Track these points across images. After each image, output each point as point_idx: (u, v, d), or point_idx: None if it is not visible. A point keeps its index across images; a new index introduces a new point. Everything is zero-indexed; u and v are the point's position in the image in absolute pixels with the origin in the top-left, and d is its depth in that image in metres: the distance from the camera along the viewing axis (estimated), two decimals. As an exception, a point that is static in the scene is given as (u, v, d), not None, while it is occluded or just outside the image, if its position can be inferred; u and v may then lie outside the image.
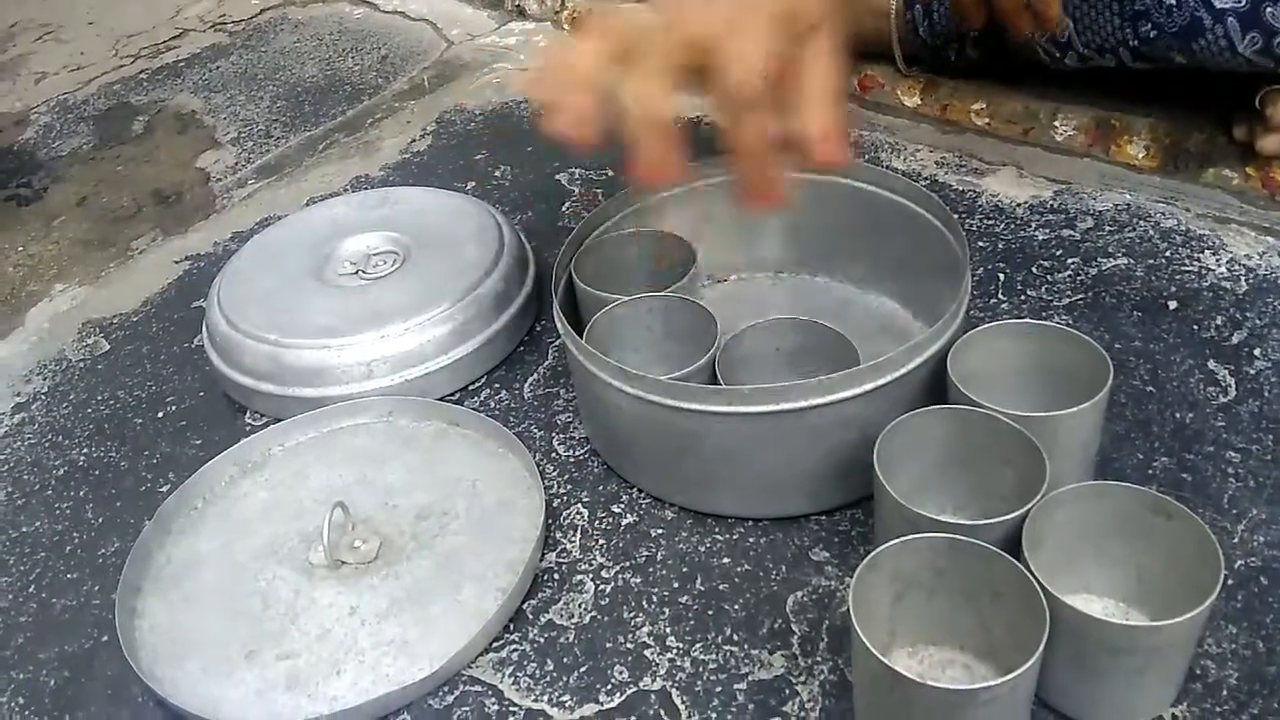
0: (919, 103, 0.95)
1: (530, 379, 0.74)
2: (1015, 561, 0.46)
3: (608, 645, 0.56)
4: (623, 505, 0.64)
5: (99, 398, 0.80)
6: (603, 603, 0.58)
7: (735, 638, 0.55)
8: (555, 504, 0.64)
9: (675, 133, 0.50)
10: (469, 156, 1.02)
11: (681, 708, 0.52)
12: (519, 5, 1.30)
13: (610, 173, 0.95)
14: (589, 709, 0.53)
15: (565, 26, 1.23)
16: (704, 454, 0.58)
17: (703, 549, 0.60)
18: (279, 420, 0.72)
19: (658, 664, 0.55)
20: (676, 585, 0.58)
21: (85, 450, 0.75)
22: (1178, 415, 0.63)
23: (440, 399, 0.73)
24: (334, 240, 0.82)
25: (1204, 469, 0.60)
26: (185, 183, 1.07)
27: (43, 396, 0.81)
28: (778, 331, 0.63)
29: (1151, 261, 0.75)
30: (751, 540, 0.60)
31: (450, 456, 0.68)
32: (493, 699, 0.54)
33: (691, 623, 0.56)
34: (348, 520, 0.63)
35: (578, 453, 0.68)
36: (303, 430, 0.71)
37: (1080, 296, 0.72)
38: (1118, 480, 0.56)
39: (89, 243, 1.00)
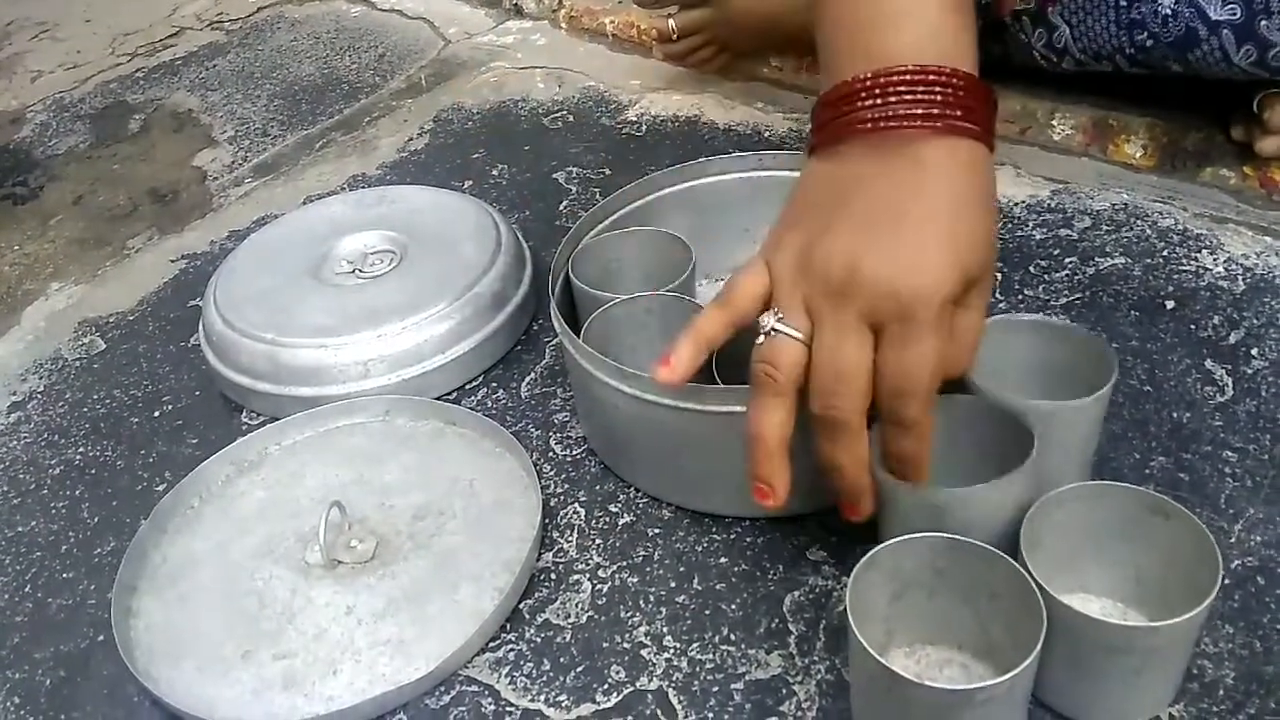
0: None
1: (527, 378, 0.74)
2: (1013, 562, 0.46)
3: (604, 645, 0.56)
4: (620, 505, 0.64)
5: (95, 397, 0.80)
6: (600, 602, 0.58)
7: (732, 637, 0.55)
8: (552, 503, 0.64)
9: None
10: (466, 155, 1.02)
11: (678, 707, 0.52)
12: (516, 3, 1.30)
13: (607, 171, 0.95)
14: (586, 709, 0.53)
15: (563, 25, 1.23)
16: (701, 453, 0.58)
17: (700, 548, 0.60)
18: (275, 419, 0.72)
19: (654, 664, 0.55)
20: (674, 585, 0.58)
21: (81, 449, 0.75)
22: (1175, 415, 0.63)
23: (437, 398, 0.72)
24: (331, 239, 0.82)
25: (1201, 468, 0.60)
26: (182, 181, 1.07)
27: (39, 395, 0.81)
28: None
29: (1149, 261, 0.75)
30: (749, 540, 0.60)
31: (447, 456, 0.68)
32: (489, 699, 0.54)
33: (688, 622, 0.56)
34: (344, 520, 0.63)
35: (575, 452, 0.68)
36: (299, 429, 0.71)
37: (1078, 296, 0.72)
38: (1115, 479, 0.57)
39: (85, 241, 1.00)
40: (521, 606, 0.58)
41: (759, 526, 0.61)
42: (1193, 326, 0.69)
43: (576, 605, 0.58)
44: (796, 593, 0.57)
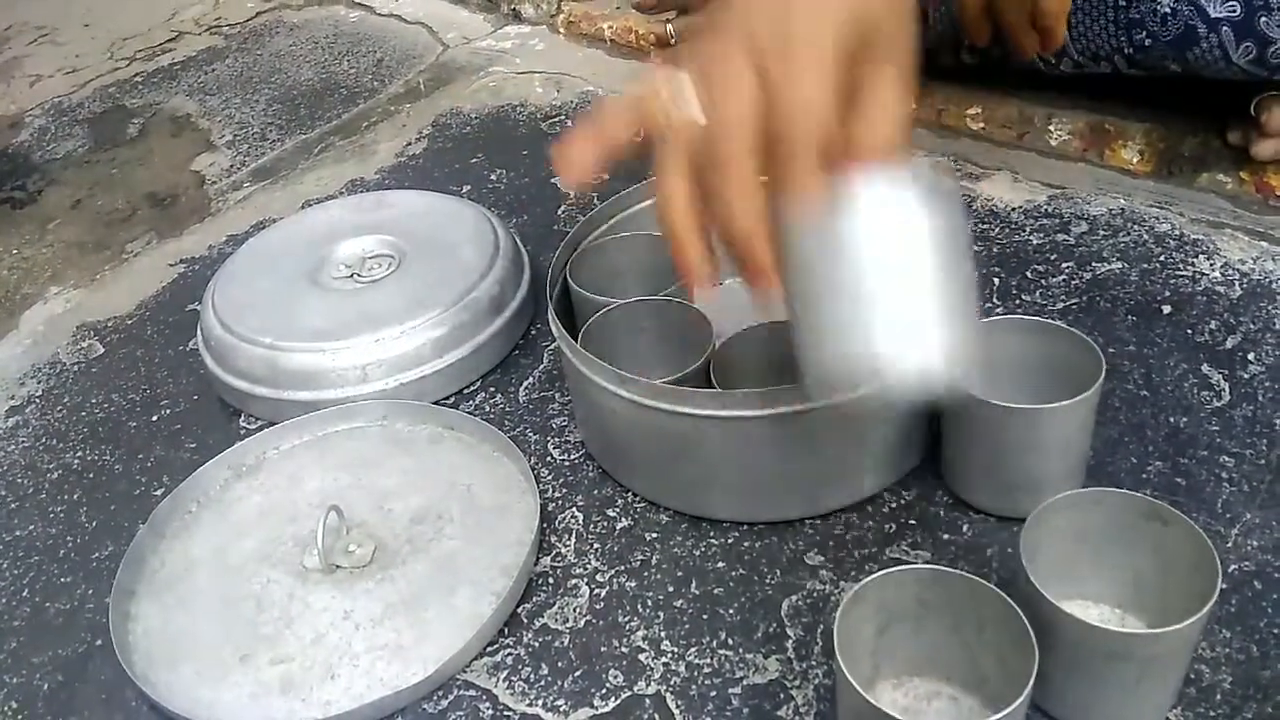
0: (914, 108, 0.95)
1: (525, 383, 0.74)
2: (1000, 592, 0.45)
3: (602, 649, 0.56)
4: (618, 509, 0.64)
5: (93, 401, 0.80)
6: (597, 607, 0.58)
7: (730, 642, 0.55)
8: (550, 508, 0.64)
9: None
10: (464, 160, 1.02)
11: (676, 712, 0.52)
12: (515, 9, 1.30)
13: (605, 176, 0.95)
14: (583, 713, 0.53)
15: (561, 30, 1.24)
16: (699, 458, 0.58)
17: (697, 553, 0.60)
18: (274, 424, 0.72)
19: (652, 668, 0.55)
20: (671, 589, 0.58)
21: (79, 454, 0.75)
22: (1172, 419, 0.63)
23: (435, 403, 0.72)
24: (329, 243, 0.82)
25: (1198, 473, 0.60)
26: (180, 186, 1.07)
27: (37, 400, 0.81)
28: (772, 335, 0.63)
29: (1146, 266, 0.75)
30: (746, 544, 0.60)
31: (445, 460, 0.68)
32: (487, 703, 0.54)
33: (686, 627, 0.56)
34: (342, 524, 0.63)
35: (573, 456, 0.68)
36: (297, 434, 0.71)
37: (1075, 300, 0.72)
38: (1112, 485, 0.57)
39: (83, 245, 1.00)
40: (519, 611, 0.58)
41: (756, 531, 0.61)
42: (1189, 331, 0.69)
43: (574, 610, 0.58)
44: (794, 597, 0.57)
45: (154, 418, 0.77)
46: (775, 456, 0.57)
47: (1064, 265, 0.76)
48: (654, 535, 0.62)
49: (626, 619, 0.57)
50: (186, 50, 1.36)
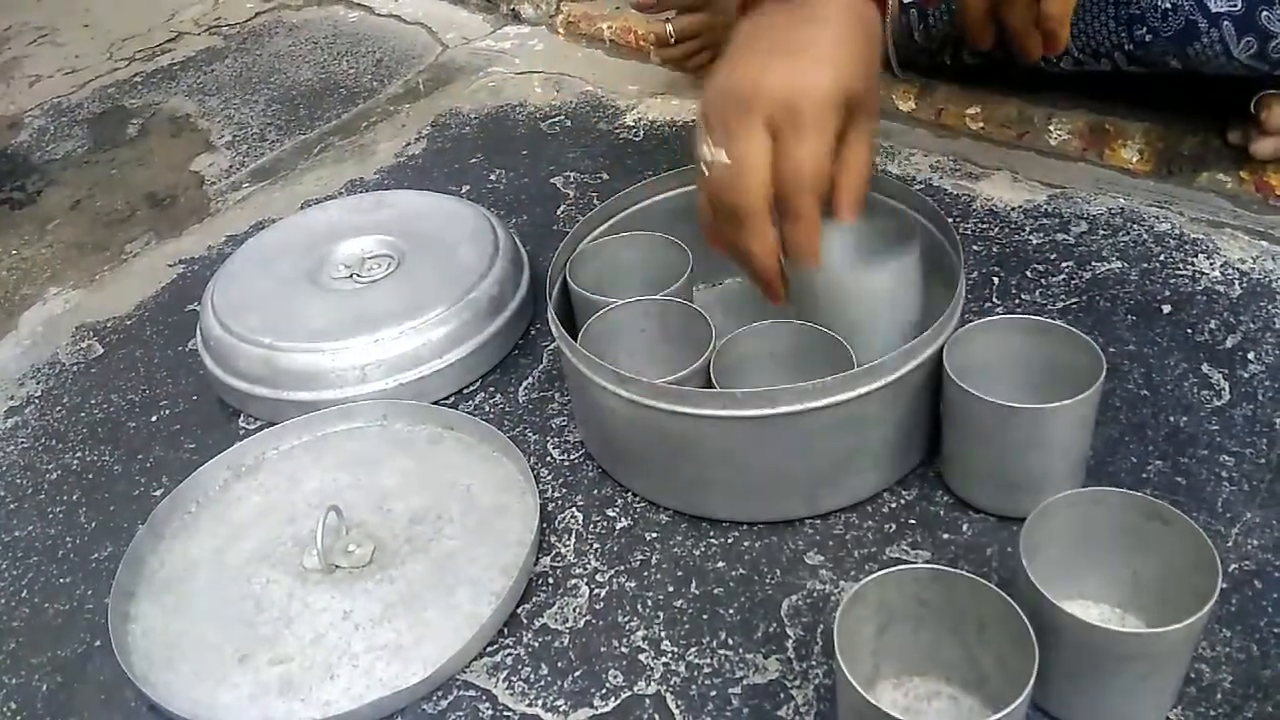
0: (914, 107, 0.95)
1: (525, 383, 0.74)
2: (1001, 592, 0.45)
3: (602, 649, 0.56)
4: (617, 509, 0.64)
5: (92, 401, 0.80)
6: (597, 607, 0.58)
7: (730, 642, 0.55)
8: (550, 508, 0.64)
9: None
10: (464, 160, 1.02)
11: (676, 712, 0.52)
12: (514, 9, 1.30)
13: (604, 176, 0.95)
14: (583, 713, 0.53)
15: (560, 30, 1.24)
16: (699, 458, 0.58)
17: (697, 553, 0.60)
18: (273, 424, 0.72)
19: (652, 668, 0.55)
20: (671, 589, 0.58)
21: (78, 454, 0.75)
22: (1172, 419, 0.63)
23: (435, 403, 0.72)
24: (328, 244, 0.82)
25: (1198, 473, 0.60)
26: (179, 186, 1.07)
27: (36, 400, 0.81)
28: (772, 335, 0.63)
29: (1145, 265, 0.75)
30: (746, 544, 0.60)
31: (444, 461, 0.68)
32: (487, 704, 0.54)
33: (686, 627, 0.56)
34: (342, 524, 0.63)
35: (572, 456, 0.67)
36: (297, 434, 0.71)
37: (1075, 300, 0.72)
38: (1112, 484, 0.57)
39: (83, 246, 1.00)
40: (519, 611, 0.58)
41: (756, 531, 0.61)
42: (1189, 331, 0.69)
43: (574, 610, 0.58)
44: (794, 597, 0.57)
45: (153, 418, 0.77)
46: (775, 456, 0.57)
47: (1064, 265, 0.76)
48: (654, 535, 0.62)
49: (626, 619, 0.57)
50: (186, 51, 1.36)
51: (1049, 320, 0.58)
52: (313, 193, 1.01)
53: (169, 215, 1.03)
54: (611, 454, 0.65)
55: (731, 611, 0.57)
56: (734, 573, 0.59)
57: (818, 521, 0.60)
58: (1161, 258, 0.75)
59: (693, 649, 0.55)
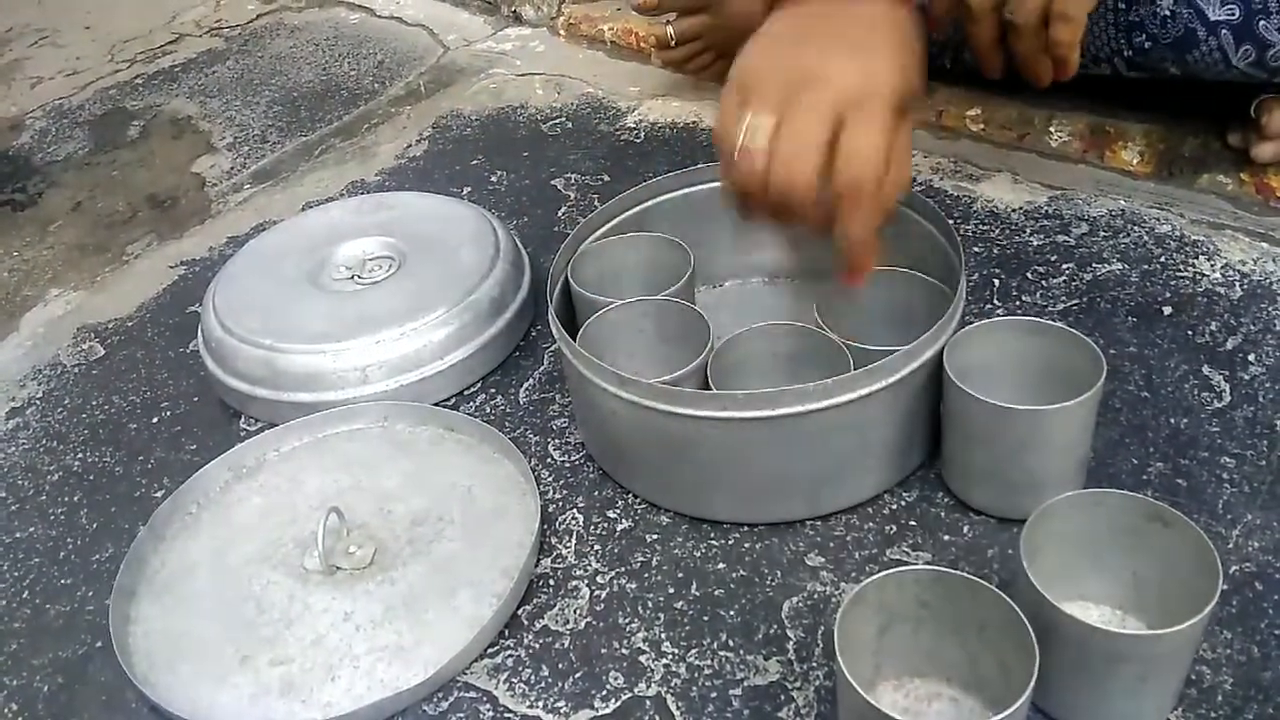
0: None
1: (526, 384, 0.74)
2: (1001, 594, 0.45)
3: (603, 651, 0.56)
4: (618, 510, 0.64)
5: (94, 403, 0.80)
6: (598, 608, 0.58)
7: (730, 643, 0.55)
8: (550, 509, 0.64)
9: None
10: (465, 161, 1.02)
11: (676, 713, 0.52)
12: (515, 10, 1.30)
13: (605, 178, 0.95)
14: (584, 715, 0.53)
15: (561, 32, 1.24)
16: (699, 459, 0.58)
17: (698, 554, 0.60)
18: (274, 425, 0.72)
19: (653, 670, 0.55)
20: (672, 591, 0.58)
21: (80, 455, 0.75)
22: (1172, 421, 0.63)
23: (436, 404, 0.72)
24: (329, 245, 0.82)
25: (1199, 474, 0.60)
26: (181, 188, 1.07)
27: (37, 402, 0.81)
28: (772, 336, 0.63)
29: (1146, 267, 0.75)
30: (747, 545, 0.60)
31: (445, 462, 0.68)
32: (488, 705, 0.54)
33: (687, 628, 0.56)
34: (343, 526, 0.63)
35: (573, 458, 0.68)
36: (298, 435, 0.71)
37: (1075, 302, 0.72)
38: (1113, 486, 0.57)
39: (84, 248, 1.00)
40: (520, 612, 0.58)
41: (757, 532, 0.61)
42: (1190, 332, 0.69)
43: (575, 611, 0.58)
44: (795, 599, 0.57)
45: (154, 419, 0.77)
46: (775, 458, 0.57)
47: (1064, 266, 0.76)
48: (654, 537, 0.62)
49: (627, 620, 0.57)
50: (187, 52, 1.36)
51: (1049, 322, 0.58)
52: (314, 194, 1.01)
53: (170, 217, 1.03)
54: (612, 455, 0.65)
55: (732, 613, 0.57)
56: (735, 574, 0.59)
57: (818, 523, 0.60)
58: (1162, 259, 0.75)
59: (693, 650, 0.55)
